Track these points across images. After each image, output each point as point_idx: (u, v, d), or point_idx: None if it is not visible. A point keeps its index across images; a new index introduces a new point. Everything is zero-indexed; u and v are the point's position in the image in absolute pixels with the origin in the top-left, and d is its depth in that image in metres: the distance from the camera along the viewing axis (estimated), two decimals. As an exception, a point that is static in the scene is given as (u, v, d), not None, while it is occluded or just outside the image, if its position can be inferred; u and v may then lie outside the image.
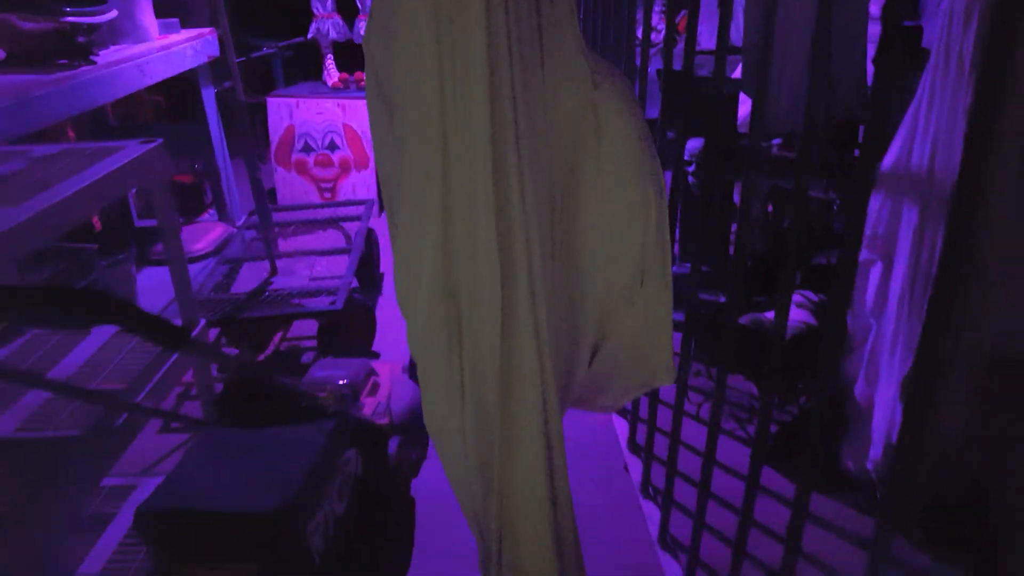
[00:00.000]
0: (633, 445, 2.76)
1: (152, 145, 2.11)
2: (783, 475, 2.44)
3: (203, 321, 2.39)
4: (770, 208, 3.01)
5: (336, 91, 5.40)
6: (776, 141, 2.96)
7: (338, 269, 3.56)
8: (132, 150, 2.08)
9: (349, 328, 3.35)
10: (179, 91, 4.72)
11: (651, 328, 1.38)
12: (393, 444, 2.40)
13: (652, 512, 2.42)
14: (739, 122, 3.08)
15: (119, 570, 2.12)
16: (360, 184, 5.30)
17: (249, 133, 3.44)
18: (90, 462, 1.86)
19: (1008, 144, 1.79)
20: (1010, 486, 2.18)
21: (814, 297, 2.79)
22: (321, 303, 3.17)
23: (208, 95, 3.82)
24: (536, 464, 1.37)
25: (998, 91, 1.49)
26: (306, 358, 3.54)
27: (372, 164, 5.21)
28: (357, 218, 3.98)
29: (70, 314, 1.32)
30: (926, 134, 2.00)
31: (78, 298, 1.40)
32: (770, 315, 2.84)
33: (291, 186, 5.42)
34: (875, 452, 2.34)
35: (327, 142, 5.29)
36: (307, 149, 5.32)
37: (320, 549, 1.85)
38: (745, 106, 3.18)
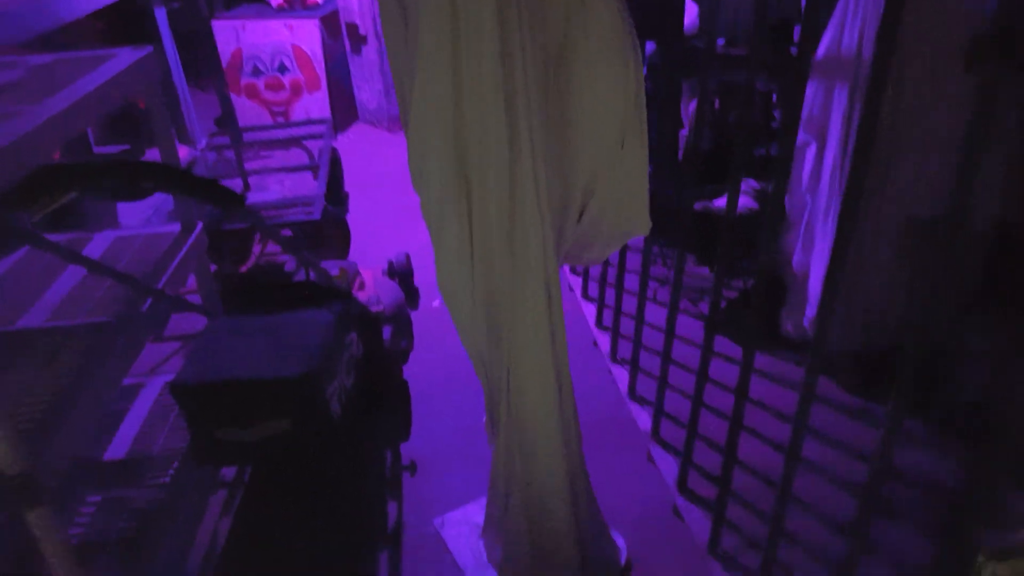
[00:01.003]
0: (600, 325, 3.06)
1: (145, 52, 2.21)
2: (733, 341, 2.76)
3: (200, 224, 2.53)
4: (716, 104, 3.27)
5: (282, 11, 5.37)
6: (720, 41, 3.20)
7: (307, 186, 3.69)
8: (126, 56, 2.18)
9: (326, 239, 3.52)
10: (122, 15, 4.65)
11: (631, 185, 1.62)
12: (386, 332, 2.64)
13: (621, 375, 2.74)
14: (686, 27, 3.30)
15: (137, 461, 2.31)
16: (313, 106, 5.35)
17: (215, 51, 3.49)
18: (121, 351, 2.03)
19: (920, 24, 2.07)
20: (925, 332, 2.55)
21: (756, 185, 3.09)
22: (298, 214, 3.32)
23: (160, 15, 3.82)
24: (539, 309, 1.62)
25: None
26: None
27: (324, 85, 5.26)
28: (319, 136, 4.08)
29: (136, 182, 1.50)
30: (855, 22, 2.26)
31: (142, 168, 1.57)
32: (719, 202, 3.14)
33: (242, 111, 5.42)
34: (811, 311, 2.68)
35: (276, 64, 5.29)
36: (256, 72, 5.32)
37: (337, 412, 2.09)
38: (691, 12, 3.40)
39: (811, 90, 2.50)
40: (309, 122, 4.57)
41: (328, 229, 3.51)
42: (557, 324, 1.69)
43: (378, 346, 2.52)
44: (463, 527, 2.23)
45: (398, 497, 2.39)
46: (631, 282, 2.79)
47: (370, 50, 5.23)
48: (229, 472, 2.54)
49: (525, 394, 1.72)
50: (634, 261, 2.82)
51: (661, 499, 2.27)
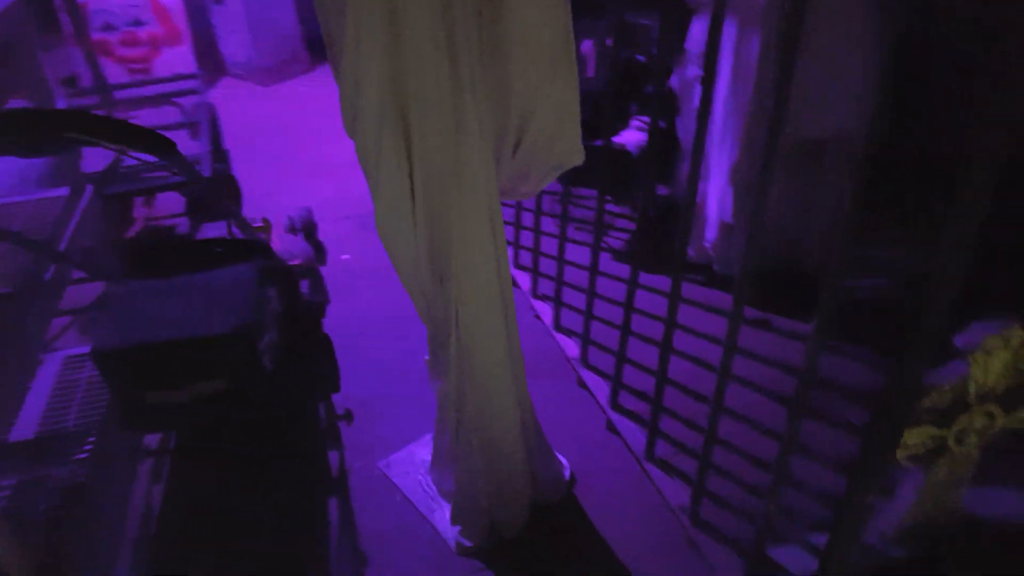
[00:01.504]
0: (518, 265, 3.13)
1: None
2: (641, 269, 2.92)
3: (90, 187, 2.37)
4: (609, 42, 3.36)
5: (130, -41, 4.94)
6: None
7: (185, 145, 3.49)
8: (-4, 1, 1.99)
9: (217, 196, 3.35)
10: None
11: (562, 117, 1.68)
12: (304, 285, 2.59)
13: (544, 309, 2.84)
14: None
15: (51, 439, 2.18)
16: (178, 60, 5.00)
17: (73, 3, 3.20)
18: (34, 321, 1.89)
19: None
20: (816, 240, 2.81)
21: (662, 124, 3.23)
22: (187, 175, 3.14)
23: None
24: (486, 242, 1.67)
25: None
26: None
27: (187, 37, 4.92)
28: (191, 92, 3.85)
29: (57, 134, 1.39)
30: None
31: (62, 118, 1.45)
32: (618, 138, 3.27)
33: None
34: (711, 233, 2.88)
35: (130, 18, 4.88)
36: (108, 28, 4.88)
37: (269, 369, 2.05)
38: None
39: (700, 26, 2.63)
40: (178, 77, 4.27)
41: (220, 187, 3.35)
42: (502, 256, 1.74)
43: (298, 300, 2.47)
44: (409, 465, 2.27)
45: (338, 446, 2.39)
46: (546, 225, 2.91)
47: (235, 0, 4.94)
48: (153, 439, 2.44)
49: (474, 326, 1.77)
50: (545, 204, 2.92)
51: (593, 419, 2.41)
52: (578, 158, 1.76)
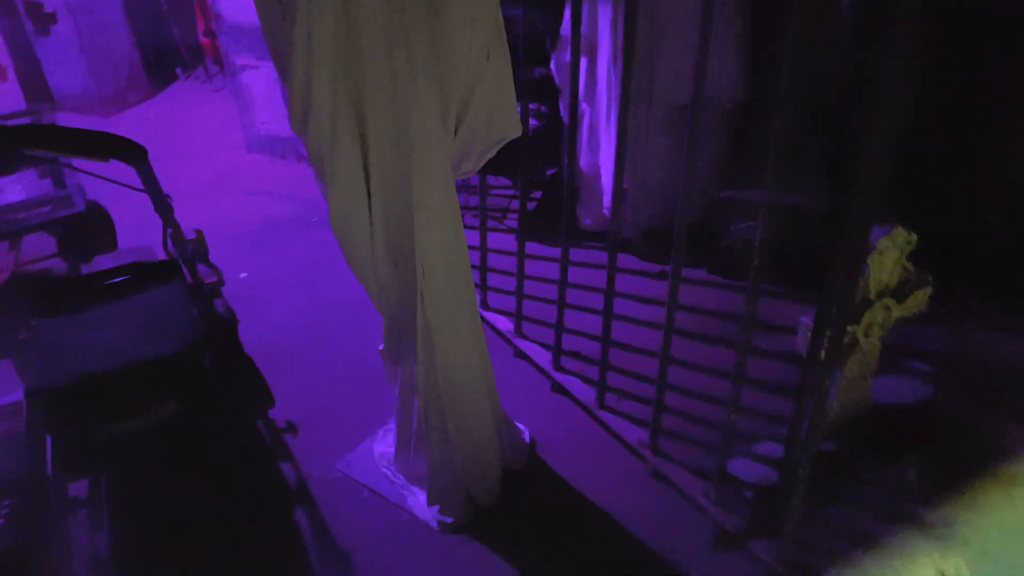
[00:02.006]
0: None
1: None
2: (544, 244, 3.07)
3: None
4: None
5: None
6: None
7: (42, 183, 3.26)
8: None
9: (93, 231, 3.15)
10: None
11: (500, 95, 1.78)
12: (219, 303, 2.53)
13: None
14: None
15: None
16: (2, 99, 4.58)
17: None
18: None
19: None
20: (698, 193, 3.08)
21: (533, 106, 3.40)
22: (59, 210, 2.94)
23: None
24: (447, 220, 1.76)
25: None
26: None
27: (11, 73, 4.53)
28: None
29: (23, 148, 1.33)
30: None
31: (27, 132, 1.39)
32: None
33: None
34: (607, 200, 3.08)
35: (-62, 57, 4.43)
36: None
37: (213, 386, 2.01)
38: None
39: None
40: (18, 114, 3.96)
41: (94, 220, 3.15)
42: (460, 230, 1.82)
43: (217, 318, 2.42)
44: (368, 462, 2.29)
45: (290, 458, 2.35)
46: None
47: (64, 28, 4.61)
48: (77, 488, 2.27)
49: (440, 303, 1.84)
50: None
51: (536, 384, 2.53)
52: (516, 130, 1.87)
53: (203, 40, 5.56)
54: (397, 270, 1.83)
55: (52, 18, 4.58)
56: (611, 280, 2.19)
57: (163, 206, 1.97)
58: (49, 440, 1.95)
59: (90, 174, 1.95)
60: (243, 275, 3.33)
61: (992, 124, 2.38)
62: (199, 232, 2.23)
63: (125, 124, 4.90)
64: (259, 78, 4.01)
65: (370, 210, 1.73)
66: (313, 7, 1.45)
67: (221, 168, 4.19)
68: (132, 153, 1.70)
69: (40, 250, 3.33)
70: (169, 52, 5.62)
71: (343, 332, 2.95)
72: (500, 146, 1.88)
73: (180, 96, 5.35)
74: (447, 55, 1.66)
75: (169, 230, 2.03)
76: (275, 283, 3.31)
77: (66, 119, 5.07)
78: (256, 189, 4.08)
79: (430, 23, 1.59)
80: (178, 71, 5.65)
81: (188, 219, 3.59)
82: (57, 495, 2.19)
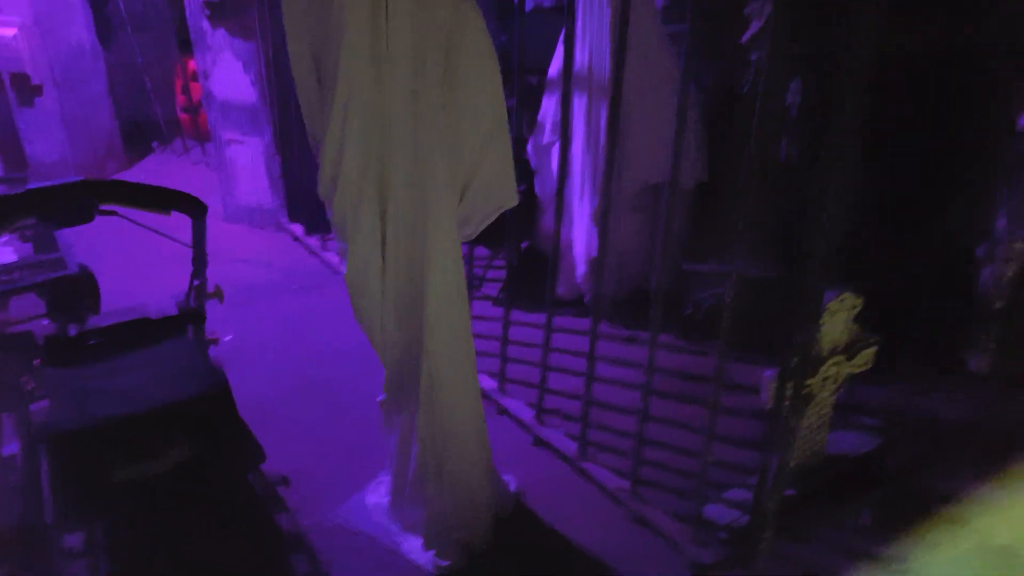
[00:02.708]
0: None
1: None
2: (521, 310, 3.28)
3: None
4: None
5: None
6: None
7: (19, 247, 3.35)
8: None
9: (82, 292, 3.24)
10: None
11: (500, 169, 2.01)
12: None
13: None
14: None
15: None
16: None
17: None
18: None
19: (633, 47, 2.79)
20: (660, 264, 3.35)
21: (521, 187, 3.67)
22: (51, 272, 3.03)
23: None
24: (453, 279, 1.95)
25: (627, 10, 2.39)
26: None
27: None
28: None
29: (95, 202, 1.50)
30: (583, 47, 2.94)
31: (101, 187, 1.56)
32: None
33: None
34: (580, 270, 3.33)
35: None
36: None
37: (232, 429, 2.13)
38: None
39: (552, 101, 3.14)
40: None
41: (82, 283, 3.23)
42: (464, 289, 2.02)
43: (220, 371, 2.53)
44: (364, 511, 2.40)
45: (284, 508, 2.44)
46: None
47: (47, 100, 4.76)
48: (73, 539, 2.31)
49: (443, 355, 2.01)
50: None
51: (518, 439, 2.70)
52: (514, 200, 2.10)
53: (182, 116, 5.75)
54: (403, 325, 2.01)
55: (38, 90, 4.72)
56: (593, 344, 2.41)
57: (202, 259, 2.13)
58: (48, 490, 2.01)
59: (140, 224, 2.09)
60: (228, 337, 3.43)
61: (923, 203, 2.74)
62: (218, 287, 2.37)
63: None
64: (244, 151, 4.21)
65: (383, 269, 1.92)
66: (350, 101, 1.68)
67: (209, 236, 4.32)
68: (194, 207, 1.88)
69: (26, 311, 3.39)
70: (148, 126, 5.79)
71: (326, 391, 3.08)
72: (498, 213, 2.11)
73: (156, 168, 5.49)
74: (458, 134, 1.89)
75: (196, 282, 2.18)
76: (258, 345, 3.42)
77: (41, 187, 5.15)
78: (236, 257, 4.21)
79: (446, 108, 1.83)
80: (154, 144, 5.80)
81: (172, 284, 3.71)
82: (55, 546, 2.23)
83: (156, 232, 2.00)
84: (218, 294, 2.28)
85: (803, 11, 2.22)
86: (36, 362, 2.36)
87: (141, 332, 2.26)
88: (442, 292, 1.94)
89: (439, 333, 1.97)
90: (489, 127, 1.94)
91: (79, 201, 1.74)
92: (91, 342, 2.22)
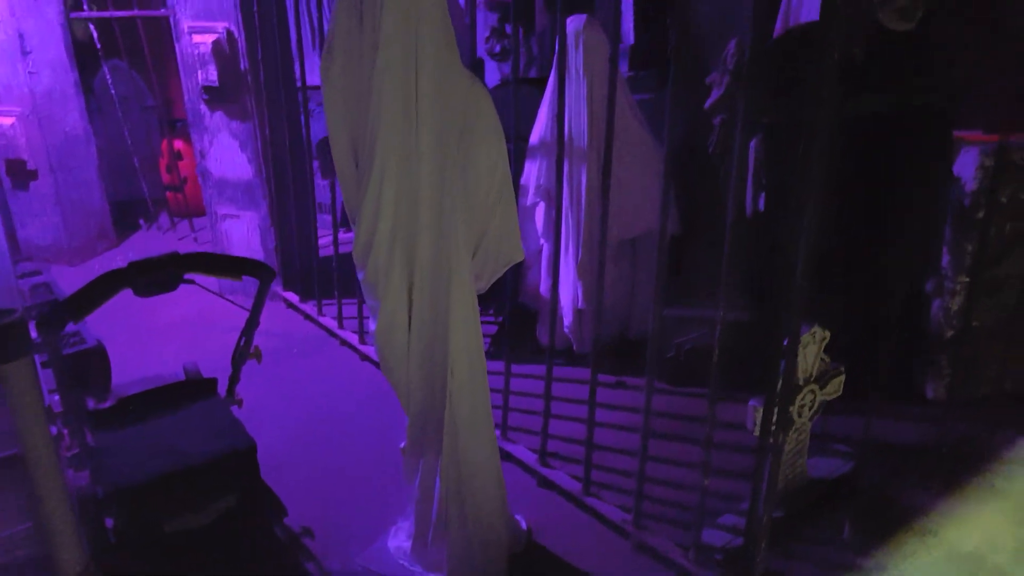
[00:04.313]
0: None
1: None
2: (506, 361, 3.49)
3: None
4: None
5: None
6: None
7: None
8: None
9: (97, 367, 3.38)
10: None
11: (507, 227, 2.25)
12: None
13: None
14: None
15: None
16: (-23, 250, 4.79)
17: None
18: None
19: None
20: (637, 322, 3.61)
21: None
22: (72, 346, 3.18)
23: None
24: (472, 332, 2.17)
25: (613, 89, 2.69)
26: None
27: (-13, 227, 4.78)
28: (33, 273, 3.83)
29: (181, 272, 1.72)
30: (579, 112, 3.27)
31: (187, 259, 1.80)
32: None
33: None
34: (567, 320, 3.57)
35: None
36: None
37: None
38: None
39: (535, 164, 3.43)
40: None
41: (99, 357, 3.37)
42: (480, 340, 2.24)
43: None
44: (386, 554, 2.55)
45: (309, 556, 2.58)
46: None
47: (43, 184, 4.94)
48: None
49: (465, 401, 2.22)
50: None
51: (523, 481, 2.89)
52: (520, 256, 2.33)
53: (168, 194, 5.96)
54: (426, 374, 2.22)
55: (33, 175, 4.90)
56: (593, 390, 2.64)
57: (255, 321, 2.32)
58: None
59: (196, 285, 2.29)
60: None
61: (877, 244, 3.06)
62: (257, 348, 2.55)
63: (94, 273, 5.13)
64: (239, 226, 4.41)
65: (409, 323, 2.14)
66: (386, 173, 1.94)
67: (197, 307, 4.48)
68: (264, 271, 2.11)
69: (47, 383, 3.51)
70: (135, 204, 5.97)
71: (335, 448, 3.24)
72: (507, 268, 2.34)
73: (144, 245, 5.66)
74: (473, 196, 2.15)
75: (243, 340, 2.36)
76: (265, 407, 3.57)
77: (30, 268, 5.27)
78: (233, 326, 4.36)
79: (462, 173, 2.09)
80: (141, 221, 5.98)
81: (177, 355, 3.86)
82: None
83: (222, 297, 2.23)
84: (257, 355, 2.46)
85: (763, 84, 2.55)
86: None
87: (179, 395, 2.44)
88: (463, 342, 2.16)
89: (460, 381, 2.18)
90: (498, 189, 2.20)
91: (168, 272, 1.98)
92: (131, 408, 2.38)
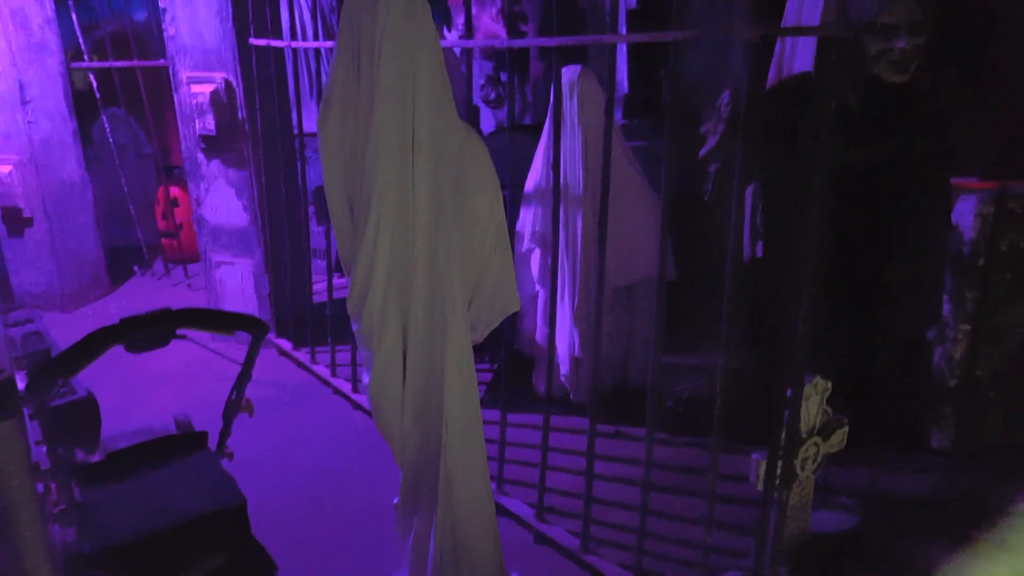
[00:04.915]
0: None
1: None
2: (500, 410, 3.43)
3: None
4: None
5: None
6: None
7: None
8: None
9: (86, 417, 3.31)
10: None
11: (503, 277, 2.22)
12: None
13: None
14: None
15: None
16: (-32, 298, 4.75)
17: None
18: None
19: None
20: (635, 370, 3.56)
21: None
22: (58, 396, 3.11)
23: None
24: (467, 384, 2.13)
25: (609, 140, 2.69)
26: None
27: (-20, 274, 4.74)
28: (25, 321, 3.78)
29: (174, 328, 1.69)
30: (574, 160, 3.27)
31: (179, 315, 1.76)
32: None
33: None
34: (564, 369, 3.52)
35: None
36: None
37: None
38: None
39: (530, 211, 3.42)
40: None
41: (88, 407, 3.30)
42: (476, 395, 2.19)
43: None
44: (379, 615, 2.46)
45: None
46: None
47: (38, 231, 4.93)
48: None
49: (460, 456, 2.16)
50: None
51: (519, 536, 2.81)
52: (516, 306, 2.30)
53: (163, 240, 5.95)
54: (420, 427, 2.16)
55: (29, 222, 4.89)
56: (591, 442, 2.58)
57: (247, 375, 2.27)
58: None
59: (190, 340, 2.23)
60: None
61: (878, 292, 3.04)
62: (249, 401, 2.49)
63: (88, 321, 5.09)
64: (233, 272, 4.38)
65: (404, 375, 2.10)
66: (381, 220, 1.91)
67: (188, 357, 4.43)
68: (256, 326, 2.07)
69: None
70: (129, 250, 5.95)
71: (327, 502, 3.15)
72: (503, 319, 2.30)
73: (138, 292, 5.61)
74: (469, 247, 2.12)
75: (234, 395, 2.31)
76: (256, 459, 3.49)
77: (24, 316, 5.22)
78: (225, 374, 4.31)
79: (457, 226, 2.07)
80: (135, 268, 5.95)
81: (168, 405, 3.79)
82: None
83: (215, 353, 2.19)
84: (248, 408, 2.41)
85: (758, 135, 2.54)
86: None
87: (169, 448, 2.37)
88: (459, 395, 2.11)
89: (455, 435, 2.13)
90: (493, 239, 2.17)
91: (161, 328, 1.95)
92: (120, 463, 2.32)
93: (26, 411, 2.56)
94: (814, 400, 2.35)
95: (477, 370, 2.21)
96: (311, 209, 4.43)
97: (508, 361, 3.26)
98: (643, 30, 4.39)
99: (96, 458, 2.54)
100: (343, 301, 2.17)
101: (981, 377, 2.98)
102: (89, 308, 5.24)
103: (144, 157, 6.07)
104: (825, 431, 2.43)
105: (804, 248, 1.88)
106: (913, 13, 2.68)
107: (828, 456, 2.47)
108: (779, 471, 2.09)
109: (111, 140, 5.65)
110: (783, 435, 2.05)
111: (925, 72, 2.79)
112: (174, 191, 5.88)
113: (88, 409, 3.37)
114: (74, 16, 5.29)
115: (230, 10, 4.03)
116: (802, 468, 2.39)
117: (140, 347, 2.00)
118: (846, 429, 2.46)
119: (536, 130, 3.74)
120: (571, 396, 3.60)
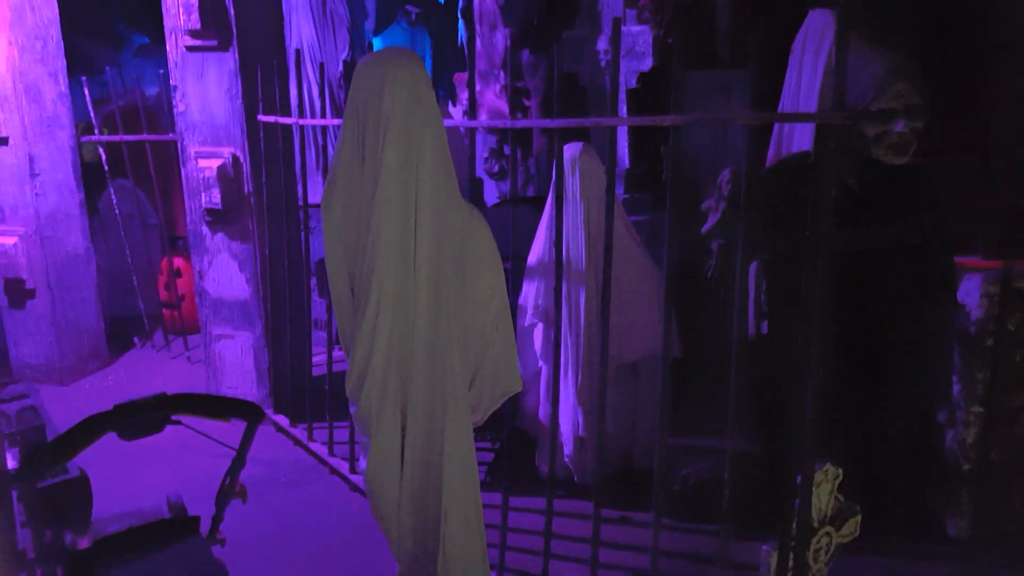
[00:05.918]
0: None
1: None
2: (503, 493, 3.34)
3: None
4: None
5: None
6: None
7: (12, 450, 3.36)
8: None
9: (79, 497, 3.22)
10: None
11: (504, 358, 2.18)
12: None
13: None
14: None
15: None
16: (-35, 370, 4.70)
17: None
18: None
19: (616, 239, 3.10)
20: (640, 452, 3.48)
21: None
22: (50, 476, 3.03)
23: None
24: (468, 472, 2.06)
25: (611, 217, 2.70)
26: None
27: (-22, 346, 4.70)
28: (20, 396, 3.73)
29: (168, 414, 1.65)
30: (576, 232, 3.27)
31: (173, 400, 1.72)
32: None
33: None
34: (568, 449, 3.43)
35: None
36: None
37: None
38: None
39: (533, 285, 3.40)
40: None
41: (80, 487, 3.22)
42: (476, 478, 2.13)
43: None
44: None
45: None
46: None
47: (40, 303, 4.91)
48: None
49: (460, 548, 2.09)
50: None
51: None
52: (518, 386, 2.26)
53: (164, 312, 5.93)
54: (418, 514, 2.09)
55: (31, 294, 4.88)
56: (596, 530, 2.49)
57: (242, 461, 2.22)
58: None
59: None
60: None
61: (887, 375, 2.98)
62: (243, 486, 2.42)
63: (85, 394, 5.03)
64: (233, 346, 4.35)
65: (402, 464, 2.04)
66: (382, 299, 1.89)
67: (184, 432, 4.34)
68: (252, 412, 2.03)
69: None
70: (130, 321, 5.93)
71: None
72: (504, 399, 2.25)
73: (137, 364, 5.56)
74: (470, 326, 2.09)
75: (227, 480, 2.25)
76: (250, 543, 3.38)
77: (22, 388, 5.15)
78: (221, 452, 4.21)
79: (459, 303, 2.04)
80: (135, 339, 5.92)
81: (161, 485, 3.70)
82: None
83: (211, 439, 2.15)
84: (242, 494, 2.34)
85: (759, 215, 2.55)
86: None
87: (160, 534, 2.29)
88: (460, 482, 2.05)
89: (455, 525, 2.05)
90: (495, 318, 2.15)
91: (155, 415, 1.92)
92: (109, 550, 2.24)
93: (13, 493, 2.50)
94: (825, 488, 2.28)
95: (477, 449, 2.15)
96: (313, 280, 4.42)
97: (510, 440, 3.20)
98: (643, 108, 4.50)
99: (85, 542, 2.45)
100: (342, 375, 2.14)
101: (996, 461, 2.90)
102: (87, 381, 5.19)
103: (149, 227, 6.11)
104: (837, 520, 2.34)
105: (811, 331, 1.84)
106: (911, 98, 2.71)
107: (841, 546, 2.38)
108: (791, 564, 2.00)
109: (118, 212, 5.71)
110: (794, 525, 1.97)
111: (925, 155, 2.81)
112: (178, 262, 5.89)
113: (81, 489, 3.29)
114: (87, 91, 5.41)
115: (240, 87, 4.12)
116: (815, 560, 2.29)
117: (134, 435, 1.96)
118: (859, 518, 2.37)
119: (539, 202, 3.76)
120: (575, 478, 3.51)
